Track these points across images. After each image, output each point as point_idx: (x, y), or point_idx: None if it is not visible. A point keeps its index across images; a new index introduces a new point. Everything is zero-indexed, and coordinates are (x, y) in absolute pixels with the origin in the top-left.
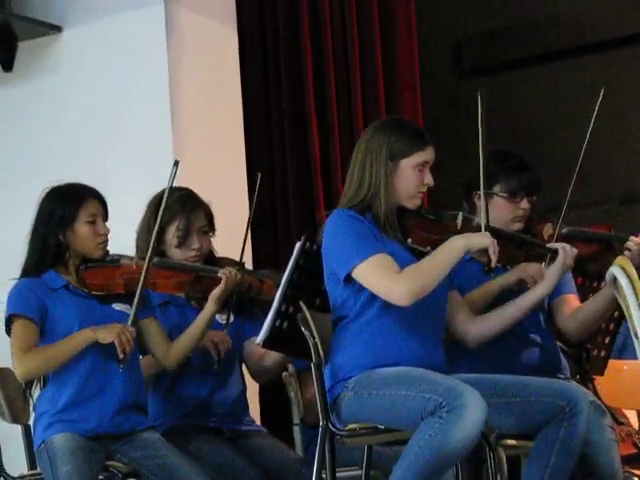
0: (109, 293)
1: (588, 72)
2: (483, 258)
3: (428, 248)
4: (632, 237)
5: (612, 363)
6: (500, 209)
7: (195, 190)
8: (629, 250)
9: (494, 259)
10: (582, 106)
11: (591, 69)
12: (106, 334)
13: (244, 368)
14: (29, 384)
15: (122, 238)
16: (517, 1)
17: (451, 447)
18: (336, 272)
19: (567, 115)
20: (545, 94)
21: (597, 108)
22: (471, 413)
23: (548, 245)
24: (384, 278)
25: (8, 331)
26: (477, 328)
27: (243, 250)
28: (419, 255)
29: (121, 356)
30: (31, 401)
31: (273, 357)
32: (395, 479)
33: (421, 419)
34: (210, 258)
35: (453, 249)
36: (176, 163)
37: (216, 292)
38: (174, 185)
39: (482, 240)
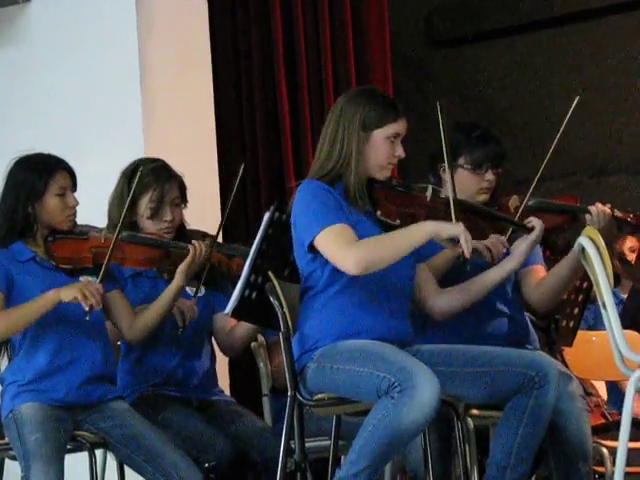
0: (77, 266)
1: (557, 44)
2: (450, 246)
3: (397, 221)
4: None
5: (581, 334)
6: (465, 181)
7: (165, 160)
8: (590, 216)
9: (467, 250)
10: (552, 78)
11: (560, 41)
12: (69, 291)
13: (214, 341)
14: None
15: (92, 208)
16: None
17: (403, 427)
18: (301, 241)
19: (537, 86)
20: (514, 65)
21: (570, 113)
22: (422, 394)
23: (518, 218)
24: (339, 246)
25: None
26: (444, 301)
27: (219, 231)
28: (387, 228)
29: (86, 309)
30: None
31: (242, 331)
32: (354, 454)
33: (377, 396)
34: (181, 230)
35: (419, 232)
36: None
37: (183, 266)
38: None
39: (453, 229)
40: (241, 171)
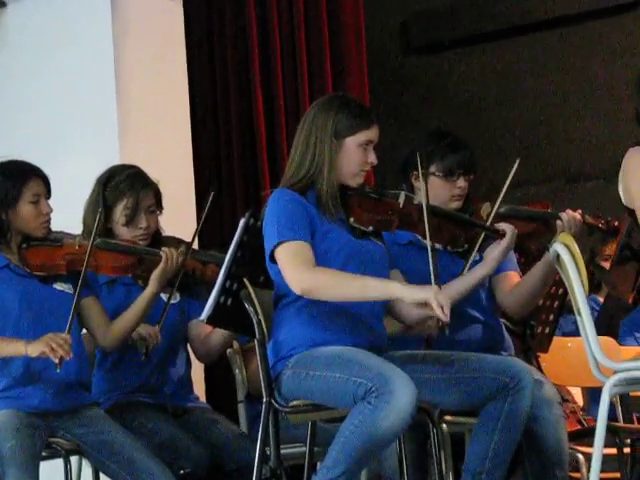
0: (50, 273)
1: (531, 49)
2: (421, 308)
3: (370, 228)
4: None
5: (556, 340)
6: (437, 188)
7: (141, 167)
8: (561, 222)
9: (442, 316)
10: (526, 82)
11: (535, 46)
12: (37, 346)
13: (189, 348)
14: None
15: (67, 215)
16: None
17: (380, 433)
18: (266, 250)
19: (511, 90)
20: (489, 70)
21: (510, 177)
22: (399, 399)
23: (489, 223)
24: (294, 265)
25: None
26: (409, 310)
27: (194, 238)
28: (360, 234)
29: (56, 361)
30: None
31: (218, 337)
32: (330, 459)
33: (354, 402)
34: (157, 237)
35: (381, 290)
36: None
37: (156, 272)
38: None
39: (423, 294)
40: (210, 199)
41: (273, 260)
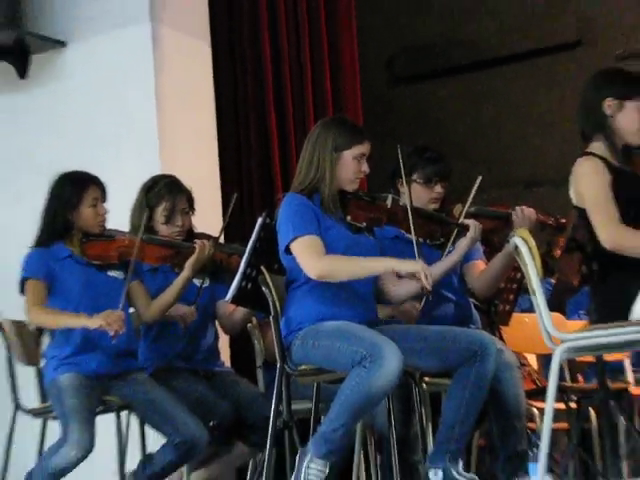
0: (105, 262)
1: (495, 81)
2: (411, 278)
3: (364, 223)
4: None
5: (516, 316)
6: (418, 193)
7: (177, 176)
8: (517, 218)
9: (427, 285)
10: (491, 108)
11: (498, 78)
12: (95, 320)
13: (217, 323)
14: (40, 333)
15: (117, 215)
16: (439, 21)
17: (373, 391)
18: (281, 244)
19: (479, 115)
20: (469, 99)
21: (475, 189)
22: (388, 364)
23: (460, 221)
24: (308, 254)
25: (22, 290)
26: (397, 290)
27: (220, 234)
28: (355, 229)
29: (111, 334)
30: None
31: (240, 314)
32: (332, 414)
33: (352, 366)
34: (190, 233)
35: (379, 265)
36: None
37: (191, 260)
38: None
39: (412, 267)
40: (233, 201)
41: (287, 251)
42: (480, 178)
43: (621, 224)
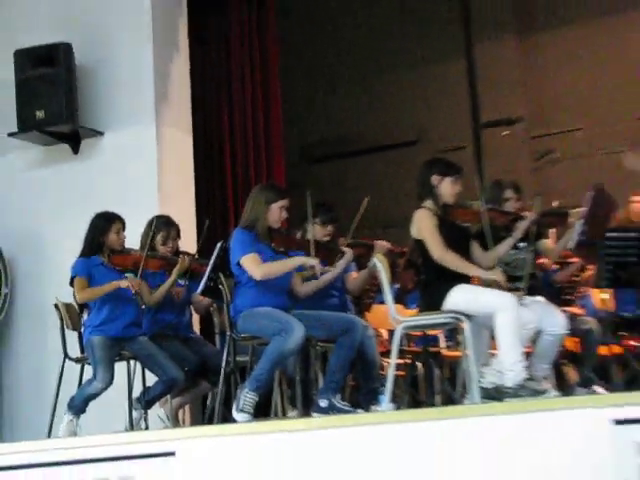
0: (124, 268)
1: (369, 166)
2: (308, 268)
3: (282, 249)
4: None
5: (375, 306)
6: (317, 230)
7: (171, 216)
8: (376, 247)
9: (317, 272)
10: (376, 185)
11: (374, 163)
12: (124, 282)
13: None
14: (81, 310)
15: (131, 239)
16: (337, 120)
17: (286, 351)
18: (234, 259)
19: (360, 183)
20: (366, 176)
21: (360, 215)
22: (296, 334)
23: (341, 249)
24: (253, 265)
25: (71, 284)
26: (303, 289)
27: (196, 252)
28: (277, 252)
29: (133, 291)
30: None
31: (205, 302)
32: (261, 364)
33: (273, 335)
34: (177, 251)
35: (293, 263)
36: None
37: (176, 268)
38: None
39: (310, 260)
40: (205, 227)
41: (236, 264)
42: (367, 199)
43: (445, 248)
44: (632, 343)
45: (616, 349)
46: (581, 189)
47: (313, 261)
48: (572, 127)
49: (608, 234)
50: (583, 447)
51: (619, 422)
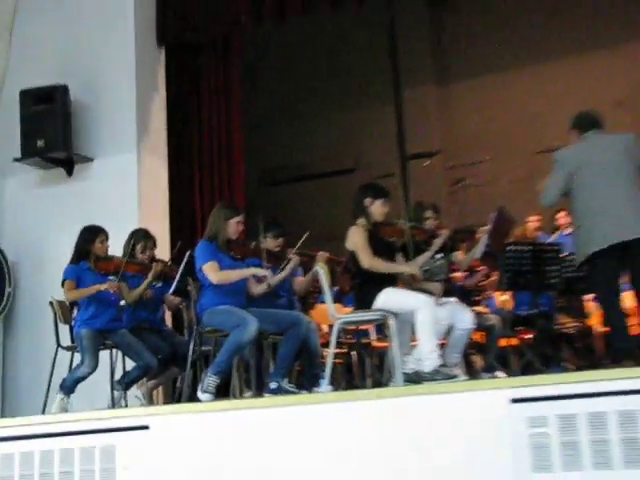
0: (107, 272)
1: (313, 190)
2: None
3: (239, 256)
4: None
5: (317, 305)
6: (269, 242)
7: (148, 229)
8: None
9: (270, 281)
10: (320, 205)
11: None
12: (103, 286)
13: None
14: (72, 307)
15: (115, 248)
16: (284, 150)
17: (243, 342)
18: (198, 265)
19: (309, 206)
20: (307, 200)
21: (300, 242)
22: (251, 328)
23: (289, 257)
24: (212, 271)
25: (62, 285)
26: (256, 290)
27: (169, 260)
28: (235, 259)
29: (112, 291)
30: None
31: (177, 300)
32: (222, 352)
33: (232, 329)
34: (153, 258)
35: (246, 272)
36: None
37: (151, 272)
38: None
39: (262, 271)
40: (178, 246)
41: (200, 270)
42: (307, 233)
43: (373, 257)
44: (526, 336)
45: (514, 341)
46: (487, 210)
47: (264, 272)
48: (480, 159)
49: (508, 247)
50: (487, 421)
51: (515, 400)
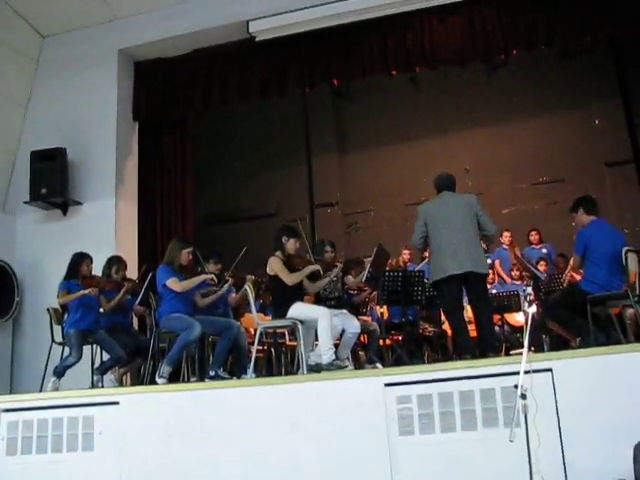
0: (91, 287)
1: (256, 230)
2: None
3: (189, 277)
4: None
5: (246, 314)
6: (211, 267)
7: (122, 256)
8: (248, 277)
9: (219, 291)
10: (253, 242)
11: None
12: (86, 291)
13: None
14: (64, 312)
15: (97, 269)
16: (222, 195)
17: (190, 340)
18: (160, 283)
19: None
20: (250, 237)
21: (239, 257)
22: (196, 330)
23: (226, 278)
24: (174, 284)
25: (58, 296)
26: (201, 302)
27: (137, 279)
28: (185, 277)
29: (93, 294)
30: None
31: (141, 309)
32: (174, 347)
33: (182, 330)
34: (125, 278)
35: (199, 278)
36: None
37: (124, 289)
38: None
39: (208, 276)
40: (144, 269)
41: (163, 285)
42: (245, 249)
43: (290, 274)
44: (397, 338)
45: (388, 341)
46: (371, 246)
47: (211, 276)
48: (367, 209)
49: (385, 273)
50: (367, 400)
51: (388, 385)
